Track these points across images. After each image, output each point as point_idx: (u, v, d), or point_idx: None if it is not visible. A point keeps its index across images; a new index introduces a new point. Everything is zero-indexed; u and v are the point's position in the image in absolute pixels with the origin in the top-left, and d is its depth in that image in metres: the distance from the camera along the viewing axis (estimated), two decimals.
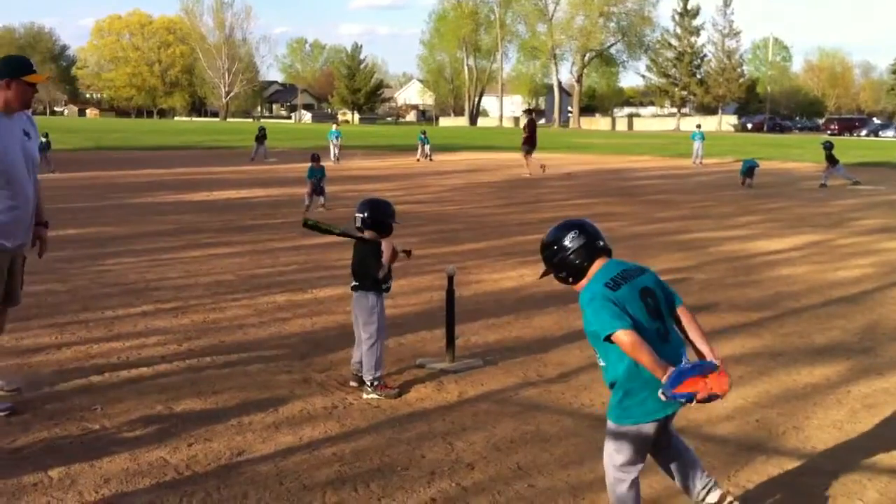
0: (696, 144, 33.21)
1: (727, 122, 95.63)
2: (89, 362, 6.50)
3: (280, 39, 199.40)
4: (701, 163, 32.66)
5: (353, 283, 5.88)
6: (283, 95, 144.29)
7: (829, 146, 24.35)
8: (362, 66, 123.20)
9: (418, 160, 32.52)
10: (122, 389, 5.90)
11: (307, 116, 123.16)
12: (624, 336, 3.50)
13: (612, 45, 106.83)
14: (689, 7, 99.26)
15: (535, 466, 4.75)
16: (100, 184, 21.44)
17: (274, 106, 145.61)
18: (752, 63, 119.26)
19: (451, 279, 6.57)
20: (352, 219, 5.91)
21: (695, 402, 3.50)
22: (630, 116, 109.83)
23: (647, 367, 3.52)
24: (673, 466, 3.97)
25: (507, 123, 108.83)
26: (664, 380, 3.47)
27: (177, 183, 21.74)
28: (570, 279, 3.86)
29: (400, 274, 10.08)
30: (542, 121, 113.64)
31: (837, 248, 12.79)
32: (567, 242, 3.80)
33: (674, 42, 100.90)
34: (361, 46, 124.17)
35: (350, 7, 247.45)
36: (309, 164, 16.76)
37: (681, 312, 3.81)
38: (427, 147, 33.05)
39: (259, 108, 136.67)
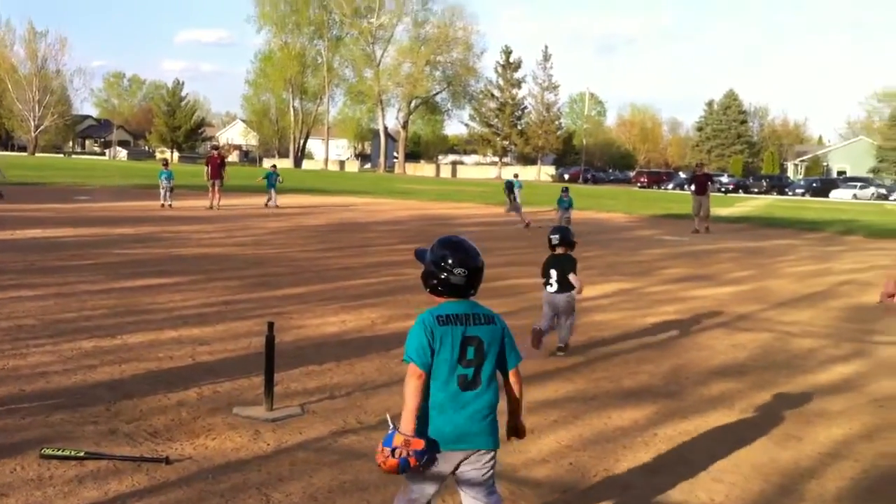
0: (515, 193, 34.21)
1: (546, 172, 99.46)
2: None
3: (97, 73, 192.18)
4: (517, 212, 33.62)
5: (556, 287, 8.67)
6: (97, 131, 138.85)
7: (510, 185, 27.32)
8: (183, 102, 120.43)
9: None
10: None
11: (122, 153, 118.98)
12: (412, 372, 3.70)
13: (437, 93, 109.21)
14: (511, 60, 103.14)
15: None
16: None
17: (87, 141, 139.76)
18: (570, 116, 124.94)
19: (271, 325, 6.44)
20: None
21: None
22: (454, 164, 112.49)
23: (404, 411, 3.74)
24: None
25: (333, 167, 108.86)
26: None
27: None
28: (428, 290, 3.92)
29: (218, 320, 9.85)
30: (368, 165, 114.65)
31: (646, 296, 13.43)
32: (454, 269, 3.79)
33: (496, 93, 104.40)
34: (183, 83, 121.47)
35: (174, 43, 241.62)
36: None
37: (510, 375, 3.92)
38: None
39: (71, 144, 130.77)
